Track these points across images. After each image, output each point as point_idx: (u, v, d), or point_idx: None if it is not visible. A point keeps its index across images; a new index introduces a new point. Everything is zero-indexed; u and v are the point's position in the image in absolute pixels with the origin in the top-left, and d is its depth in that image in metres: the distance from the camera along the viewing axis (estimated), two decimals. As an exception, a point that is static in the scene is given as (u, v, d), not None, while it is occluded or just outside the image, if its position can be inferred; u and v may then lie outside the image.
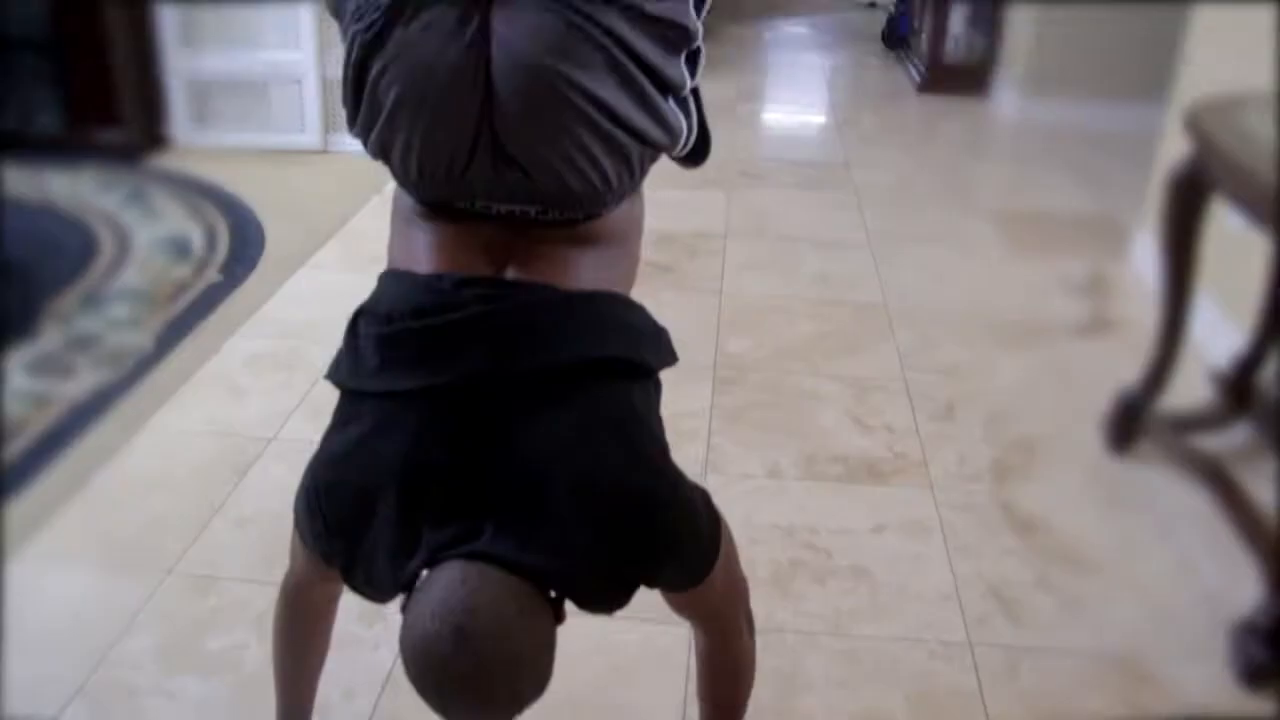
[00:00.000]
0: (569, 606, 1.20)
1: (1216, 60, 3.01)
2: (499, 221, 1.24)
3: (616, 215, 1.30)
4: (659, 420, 1.30)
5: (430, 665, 1.07)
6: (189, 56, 4.25)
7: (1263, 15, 2.79)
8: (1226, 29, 2.97)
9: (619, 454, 1.18)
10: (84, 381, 2.62)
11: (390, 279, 1.27)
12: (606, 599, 1.26)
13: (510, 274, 1.23)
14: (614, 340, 1.23)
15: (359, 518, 1.18)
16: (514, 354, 1.15)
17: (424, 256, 1.25)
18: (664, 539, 1.21)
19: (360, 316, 1.24)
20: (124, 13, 4.10)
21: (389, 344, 1.19)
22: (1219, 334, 2.72)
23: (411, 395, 1.16)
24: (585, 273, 1.25)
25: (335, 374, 1.26)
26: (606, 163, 1.19)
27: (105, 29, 4.07)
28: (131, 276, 3.19)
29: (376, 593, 1.23)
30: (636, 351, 1.25)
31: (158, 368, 2.71)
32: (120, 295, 3.07)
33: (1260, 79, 2.70)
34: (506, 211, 1.23)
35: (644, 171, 1.30)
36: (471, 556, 1.11)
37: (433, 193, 1.25)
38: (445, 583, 1.09)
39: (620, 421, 1.20)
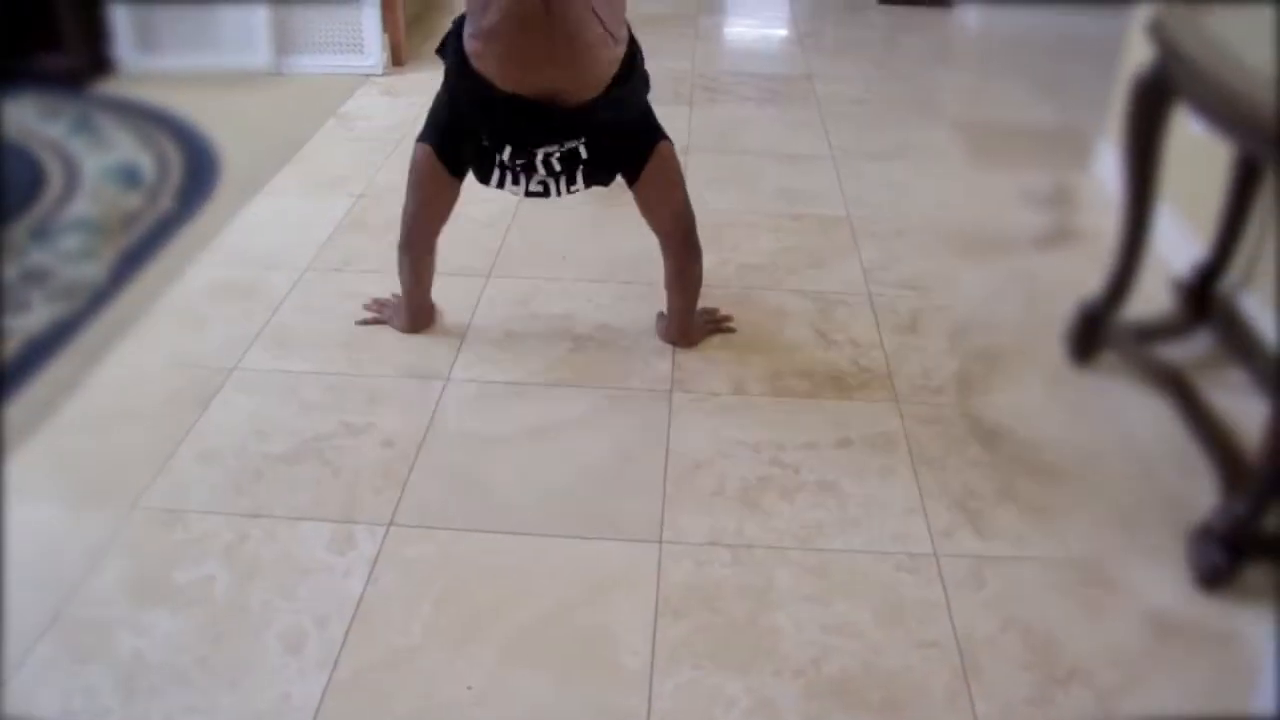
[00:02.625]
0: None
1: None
2: None
3: None
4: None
5: None
6: (131, -24, 4.12)
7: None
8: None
9: None
10: (39, 315, 2.57)
11: None
12: None
13: None
14: None
15: None
16: None
17: None
18: None
19: None
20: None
21: None
22: (1180, 243, 2.74)
23: None
24: None
25: None
26: None
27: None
28: (82, 206, 3.12)
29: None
30: None
31: (115, 299, 2.66)
32: (71, 226, 3.00)
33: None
34: None
35: None
36: None
37: None
38: None
39: None
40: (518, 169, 2.10)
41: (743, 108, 4.00)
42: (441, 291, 2.61)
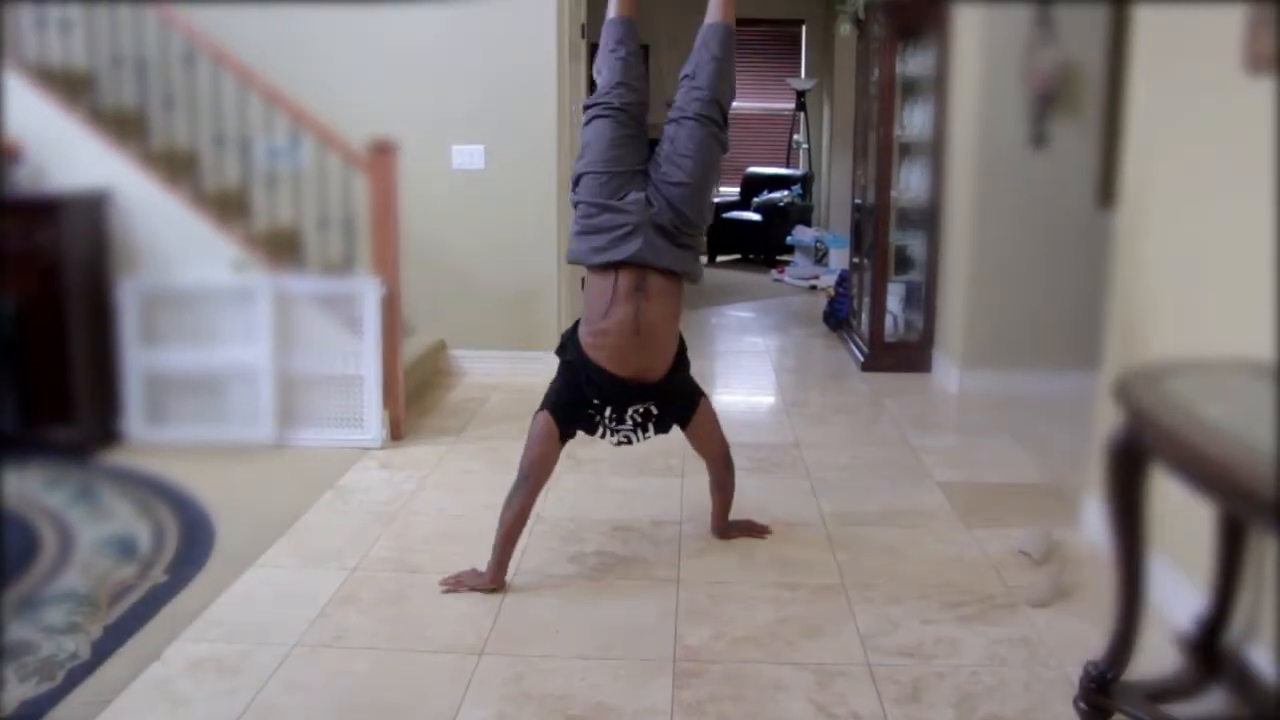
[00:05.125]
0: None
1: (1141, 329, 3.16)
2: None
3: None
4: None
5: None
6: (147, 353, 4.33)
7: (1180, 284, 2.95)
8: (1147, 299, 3.13)
9: None
10: (10, 695, 2.49)
11: None
12: None
13: None
14: None
15: None
16: None
17: None
18: None
19: None
20: (87, 312, 4.19)
21: None
22: (1180, 595, 2.71)
23: None
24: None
25: None
26: None
27: (68, 329, 4.14)
28: (72, 579, 3.10)
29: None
30: None
31: (93, 676, 2.58)
32: (58, 599, 2.97)
33: (1180, 346, 2.83)
34: None
35: None
36: None
37: None
38: None
39: None
40: (612, 424, 3.06)
41: (735, 477, 4.06)
42: (431, 671, 2.55)
